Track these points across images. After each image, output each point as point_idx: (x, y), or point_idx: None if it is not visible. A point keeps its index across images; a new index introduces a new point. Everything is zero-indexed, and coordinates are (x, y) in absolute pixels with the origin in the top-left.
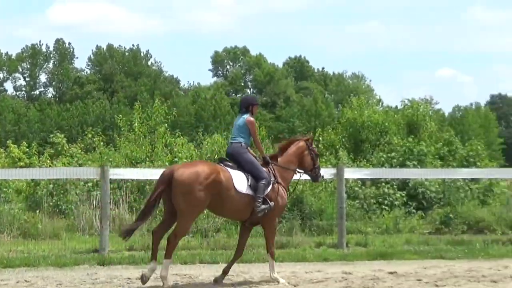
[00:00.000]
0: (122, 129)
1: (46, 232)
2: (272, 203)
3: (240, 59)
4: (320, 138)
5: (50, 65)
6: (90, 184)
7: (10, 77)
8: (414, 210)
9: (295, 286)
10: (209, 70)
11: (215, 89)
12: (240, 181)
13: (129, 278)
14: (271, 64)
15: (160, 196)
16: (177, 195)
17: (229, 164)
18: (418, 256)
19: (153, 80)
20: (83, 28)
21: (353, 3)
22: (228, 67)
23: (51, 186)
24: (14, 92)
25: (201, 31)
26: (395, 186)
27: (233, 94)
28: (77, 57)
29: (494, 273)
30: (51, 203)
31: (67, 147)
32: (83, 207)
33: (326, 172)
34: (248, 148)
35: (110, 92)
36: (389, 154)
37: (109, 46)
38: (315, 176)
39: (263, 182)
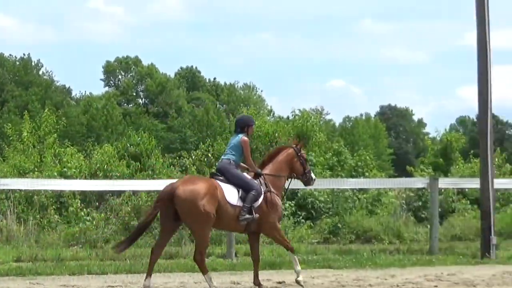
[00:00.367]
0: (11, 138)
1: None
2: (256, 215)
3: (132, 69)
4: (210, 148)
5: None
6: None
7: None
8: (303, 220)
9: None
10: (101, 79)
11: (107, 99)
12: (231, 194)
13: None
14: (163, 74)
15: (157, 213)
16: (183, 212)
17: (220, 178)
18: (306, 266)
19: (45, 89)
20: None
21: (245, 15)
22: (120, 77)
23: None
24: None
25: (93, 41)
26: (284, 196)
27: (125, 104)
28: None
29: (381, 282)
30: None
31: None
32: None
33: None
34: (236, 165)
35: (0, 101)
36: None
37: None
38: (307, 180)
39: (252, 193)
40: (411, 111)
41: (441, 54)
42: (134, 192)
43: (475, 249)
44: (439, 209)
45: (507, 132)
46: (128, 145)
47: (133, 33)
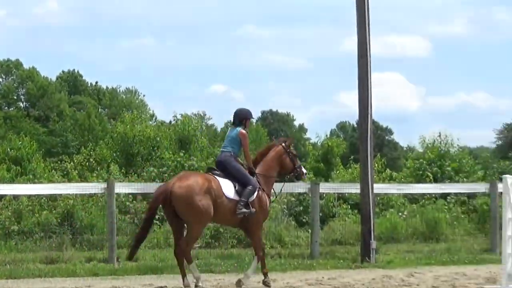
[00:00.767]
0: None
1: None
2: (253, 209)
3: (12, 72)
4: (92, 152)
5: None
6: None
7: None
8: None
9: None
10: None
11: None
12: (228, 188)
13: None
14: (44, 77)
15: (155, 212)
16: (181, 208)
17: (217, 173)
18: (188, 271)
19: None
20: None
21: (126, 19)
22: (0, 80)
23: None
24: None
25: None
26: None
27: (6, 108)
28: None
29: (262, 287)
30: None
31: None
32: None
33: (97, 187)
34: (236, 157)
35: None
36: (160, 169)
37: None
38: (298, 175)
39: (249, 188)
40: (292, 116)
41: (321, 59)
42: (15, 197)
43: (355, 254)
44: (320, 214)
45: (386, 137)
46: (9, 149)
47: (14, 35)
